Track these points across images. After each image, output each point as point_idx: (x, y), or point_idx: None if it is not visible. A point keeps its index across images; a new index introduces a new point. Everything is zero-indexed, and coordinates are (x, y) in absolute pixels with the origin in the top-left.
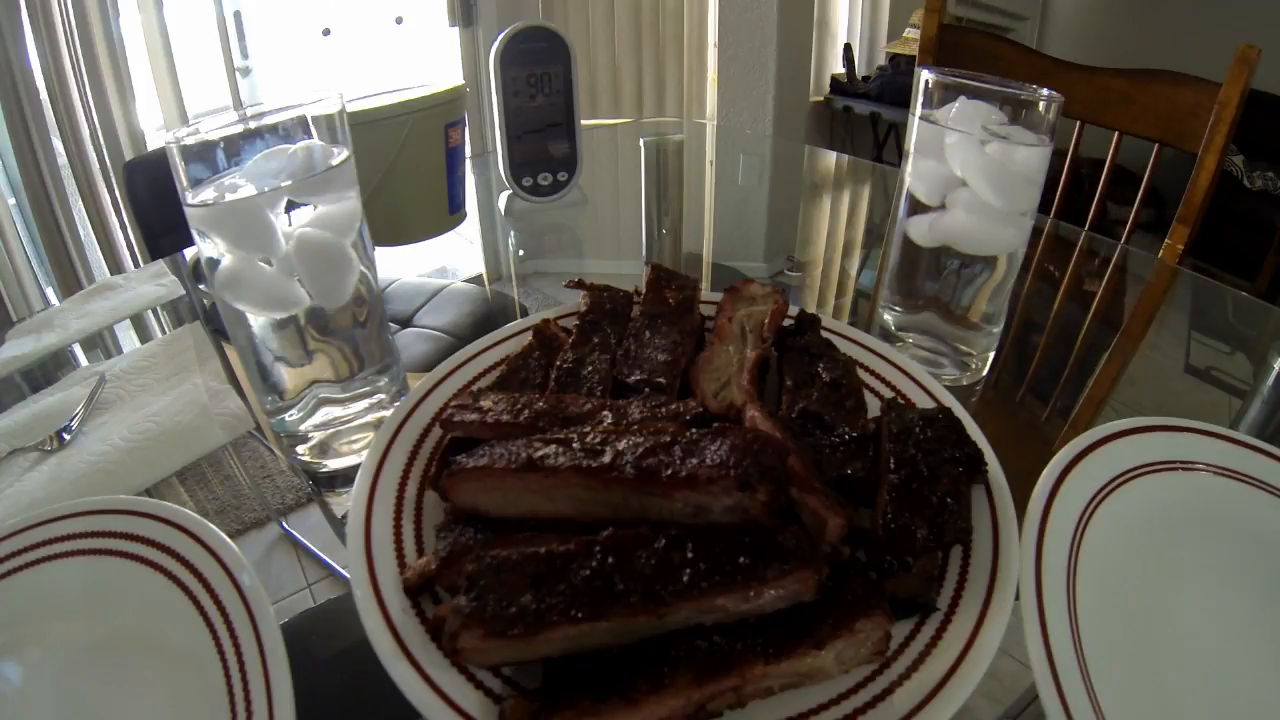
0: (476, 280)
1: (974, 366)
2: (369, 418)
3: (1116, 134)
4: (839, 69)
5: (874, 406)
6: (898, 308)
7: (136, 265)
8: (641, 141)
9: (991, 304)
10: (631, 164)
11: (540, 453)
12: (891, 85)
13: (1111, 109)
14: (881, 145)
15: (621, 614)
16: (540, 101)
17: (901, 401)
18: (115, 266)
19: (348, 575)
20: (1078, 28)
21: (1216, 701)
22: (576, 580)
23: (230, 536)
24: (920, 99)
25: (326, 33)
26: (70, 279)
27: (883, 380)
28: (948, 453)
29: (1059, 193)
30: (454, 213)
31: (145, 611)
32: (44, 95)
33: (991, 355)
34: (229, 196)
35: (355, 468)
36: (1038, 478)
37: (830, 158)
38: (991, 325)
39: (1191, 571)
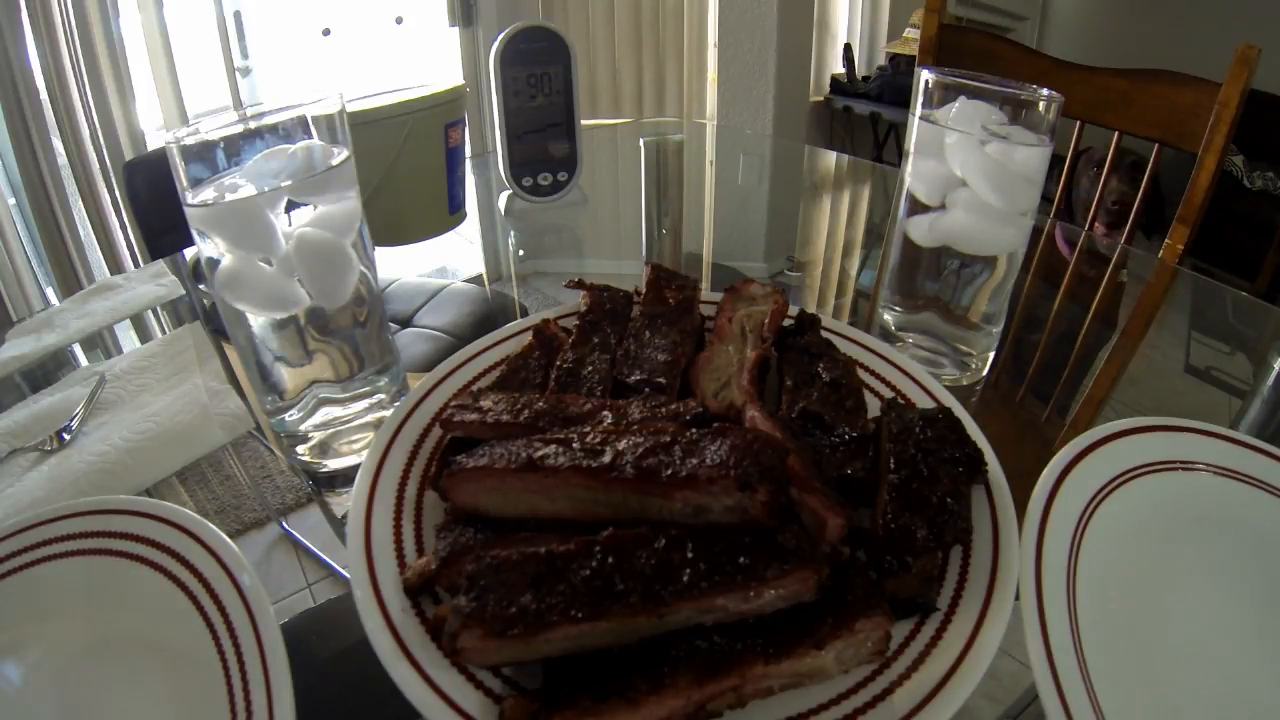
0: (476, 280)
1: (974, 366)
2: (369, 418)
3: (1116, 134)
4: (839, 69)
5: (874, 406)
6: (898, 308)
7: (136, 265)
8: (641, 141)
9: (991, 304)
10: (631, 164)
11: (540, 453)
12: (891, 85)
13: (1111, 109)
14: (881, 145)
15: (621, 614)
16: (540, 101)
17: (901, 401)
18: (115, 266)
19: (348, 575)
20: (1078, 28)
21: (1216, 701)
22: (576, 580)
23: (230, 536)
24: (920, 99)
25: (326, 33)
26: (70, 279)
27: (883, 380)
28: (948, 453)
29: (1059, 193)
30: (454, 213)
31: (145, 611)
32: (44, 95)
33: (991, 355)
34: (229, 196)
35: (355, 468)
36: (1038, 478)
37: (830, 158)
38: (991, 325)
39: (1191, 571)
